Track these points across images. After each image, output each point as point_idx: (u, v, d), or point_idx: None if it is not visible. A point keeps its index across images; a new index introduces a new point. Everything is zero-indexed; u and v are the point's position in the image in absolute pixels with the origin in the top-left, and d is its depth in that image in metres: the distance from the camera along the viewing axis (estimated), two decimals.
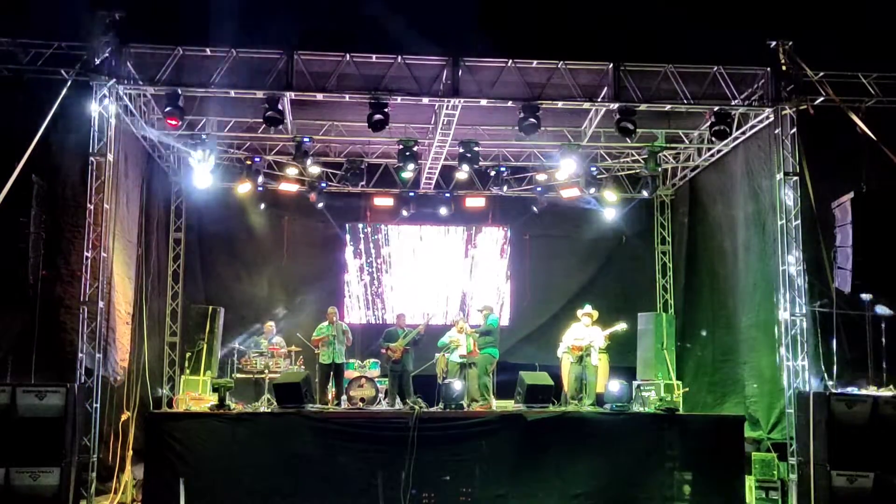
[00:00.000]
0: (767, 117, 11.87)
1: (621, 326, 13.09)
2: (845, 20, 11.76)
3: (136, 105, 12.02)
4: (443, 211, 15.60)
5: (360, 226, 16.19)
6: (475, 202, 15.79)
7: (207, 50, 11.12)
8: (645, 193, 15.44)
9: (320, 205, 15.08)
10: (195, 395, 12.51)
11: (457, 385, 11.87)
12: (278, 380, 11.60)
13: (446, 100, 11.56)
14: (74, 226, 10.91)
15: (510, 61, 11.43)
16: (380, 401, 12.47)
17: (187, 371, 13.56)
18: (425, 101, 11.83)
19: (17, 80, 10.82)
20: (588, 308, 13.12)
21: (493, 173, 14.52)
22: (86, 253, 10.50)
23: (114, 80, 10.79)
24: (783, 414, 11.62)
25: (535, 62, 11.53)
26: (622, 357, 14.60)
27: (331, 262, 15.99)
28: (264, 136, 13.49)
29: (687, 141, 14.26)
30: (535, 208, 15.47)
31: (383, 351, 13.22)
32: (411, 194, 15.42)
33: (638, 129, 11.80)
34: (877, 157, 10.53)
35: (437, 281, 16.20)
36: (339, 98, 11.59)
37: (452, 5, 11.77)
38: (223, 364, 13.66)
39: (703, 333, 14.69)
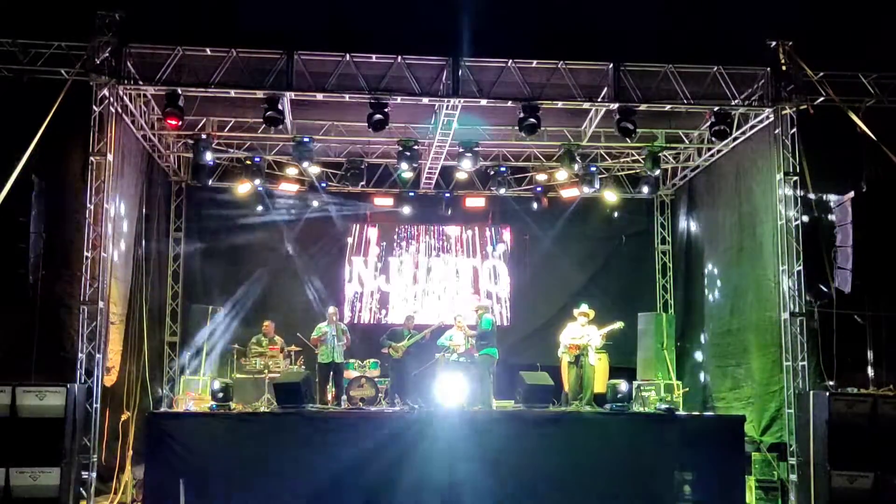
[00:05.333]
0: (767, 117, 11.87)
1: (618, 325, 13.07)
2: (845, 20, 11.75)
3: (136, 105, 12.02)
4: (443, 211, 15.62)
5: (360, 226, 16.19)
6: (475, 202, 15.81)
7: (207, 50, 11.11)
8: (645, 193, 15.45)
9: (316, 203, 15.09)
10: (195, 395, 12.52)
11: (456, 385, 11.85)
12: (278, 380, 11.59)
13: (446, 100, 11.56)
14: (74, 226, 10.90)
15: (510, 61, 11.43)
16: (380, 401, 12.47)
17: (187, 371, 13.56)
18: (425, 101, 11.83)
19: (17, 80, 10.82)
20: (584, 307, 13.10)
21: (492, 173, 14.52)
22: (86, 253, 10.50)
23: (114, 80, 10.79)
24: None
25: (535, 62, 11.53)
26: (622, 357, 14.62)
27: (330, 262, 15.98)
28: (264, 136, 13.50)
29: (687, 141, 14.26)
30: (535, 205, 15.45)
31: (385, 350, 13.21)
32: (411, 194, 15.43)
33: (638, 129, 11.81)
34: (877, 157, 10.52)
35: (436, 281, 16.21)
36: (339, 98, 11.58)
37: (452, 5, 11.75)
38: (223, 363, 13.69)
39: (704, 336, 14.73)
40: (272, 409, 11.15)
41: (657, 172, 14.15)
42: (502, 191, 14.85)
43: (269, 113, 11.27)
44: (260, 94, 11.27)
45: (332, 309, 13.33)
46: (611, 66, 11.52)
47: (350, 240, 16.13)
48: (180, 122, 11.72)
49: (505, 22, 12.00)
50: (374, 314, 16.00)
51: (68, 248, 11.14)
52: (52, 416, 9.48)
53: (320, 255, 15.89)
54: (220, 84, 11.16)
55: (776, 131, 11.59)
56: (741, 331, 13.00)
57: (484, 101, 11.70)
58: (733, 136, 12.58)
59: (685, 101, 11.69)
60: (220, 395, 10.96)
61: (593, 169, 14.21)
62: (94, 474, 10.14)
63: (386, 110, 11.42)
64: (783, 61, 11.43)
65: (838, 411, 9.97)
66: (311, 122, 13.35)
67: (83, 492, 9.96)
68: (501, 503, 10.44)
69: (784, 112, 11.54)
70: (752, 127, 12.39)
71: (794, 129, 11.49)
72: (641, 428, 11.09)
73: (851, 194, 10.62)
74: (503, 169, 14.52)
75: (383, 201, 15.71)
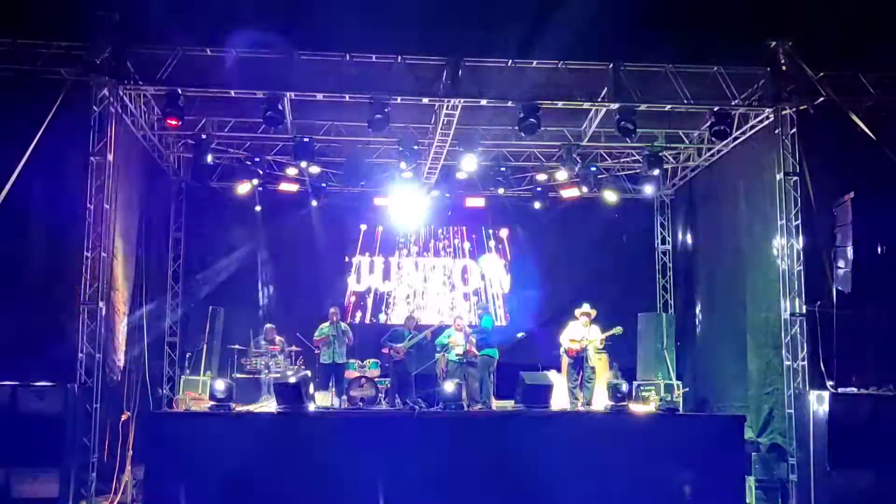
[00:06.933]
0: (767, 117, 11.87)
1: (617, 330, 13.04)
2: (845, 20, 11.74)
3: (136, 105, 12.02)
4: (443, 211, 15.62)
5: (360, 226, 16.20)
6: (475, 202, 15.81)
7: (207, 50, 11.11)
8: (645, 193, 15.46)
9: (316, 203, 15.12)
10: (195, 395, 12.52)
11: (455, 385, 11.84)
12: (278, 380, 11.59)
13: (446, 100, 11.56)
14: (74, 226, 10.90)
15: (510, 61, 11.43)
16: (380, 401, 12.47)
17: (187, 371, 13.56)
18: (425, 101, 11.83)
19: (18, 80, 10.81)
20: (586, 307, 13.12)
21: (492, 173, 14.53)
22: (86, 253, 10.49)
23: (114, 80, 10.79)
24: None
25: (535, 62, 11.53)
26: (622, 357, 14.62)
27: (330, 262, 15.98)
28: (264, 136, 13.50)
29: (687, 141, 14.26)
30: (535, 204, 15.42)
31: (385, 350, 13.20)
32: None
33: (638, 129, 11.81)
34: (877, 157, 10.51)
35: (436, 281, 16.22)
36: (339, 98, 11.58)
37: (453, 5, 11.75)
38: (223, 364, 13.69)
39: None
40: (272, 410, 11.14)
41: (657, 172, 14.16)
42: (502, 191, 14.84)
43: (269, 113, 11.28)
44: (260, 94, 11.27)
45: (333, 309, 13.33)
46: (611, 66, 11.52)
47: (349, 240, 16.13)
48: (180, 122, 11.72)
49: (505, 22, 11.97)
50: (374, 314, 16.00)
51: (68, 248, 11.13)
52: (52, 416, 9.48)
53: (320, 256, 15.88)
54: (220, 84, 11.15)
55: (776, 131, 11.58)
56: (741, 332, 12.99)
57: (484, 101, 11.70)
58: (733, 136, 12.58)
59: (685, 101, 11.70)
60: (221, 395, 10.96)
61: (593, 169, 14.22)
62: (94, 474, 10.14)
63: (386, 110, 11.42)
64: (783, 61, 11.42)
65: (838, 411, 9.96)
66: (311, 122, 13.35)
67: (83, 492, 9.96)
68: (501, 503, 10.45)
69: (784, 112, 11.54)
70: (753, 127, 12.39)
71: (794, 129, 11.48)
72: (641, 428, 11.09)
73: (851, 194, 10.61)
74: (503, 169, 14.53)
75: (383, 201, 15.72)
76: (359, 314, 15.93)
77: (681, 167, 15.31)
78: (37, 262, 10.82)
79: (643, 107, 11.67)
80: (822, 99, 11.36)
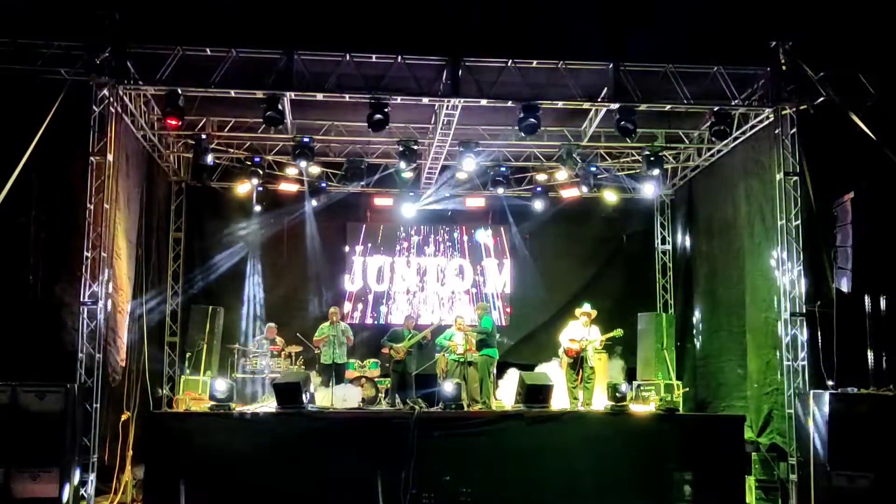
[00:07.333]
0: (767, 117, 11.87)
1: (617, 332, 13.03)
2: (845, 20, 11.73)
3: (136, 105, 12.02)
4: (442, 211, 15.62)
5: (361, 226, 16.20)
6: (475, 202, 15.83)
7: (207, 50, 11.10)
8: (645, 193, 15.46)
9: (316, 203, 15.12)
10: (195, 395, 12.52)
11: (455, 385, 11.85)
12: (278, 380, 11.59)
13: (446, 100, 11.55)
14: (74, 226, 10.91)
15: (510, 61, 11.42)
16: (380, 401, 12.46)
17: (187, 371, 13.56)
18: (425, 101, 11.84)
19: (18, 79, 10.81)
20: (587, 307, 13.12)
21: (492, 173, 14.52)
22: (86, 253, 10.49)
23: (114, 80, 10.79)
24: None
25: (535, 62, 11.52)
26: (622, 357, 14.63)
27: (331, 262, 15.99)
28: (264, 136, 13.50)
29: (687, 141, 14.26)
30: (535, 204, 15.38)
31: (385, 350, 13.20)
32: (411, 194, 15.43)
33: (638, 129, 11.81)
34: (877, 157, 10.51)
35: (436, 281, 16.21)
36: (339, 98, 11.58)
37: (452, 5, 11.75)
38: (223, 364, 13.70)
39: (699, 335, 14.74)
40: (272, 409, 11.14)
41: (657, 172, 14.15)
42: (502, 191, 14.84)
43: (269, 113, 11.27)
44: (260, 94, 11.27)
45: (333, 309, 13.35)
46: (611, 66, 11.50)
47: (350, 240, 16.13)
48: (180, 122, 11.72)
49: (505, 22, 11.97)
50: (374, 314, 16.00)
51: (68, 248, 11.13)
52: (52, 416, 9.47)
53: (320, 256, 15.89)
54: (220, 84, 11.14)
55: (776, 131, 11.58)
56: (741, 332, 13.00)
57: (484, 101, 11.69)
58: (733, 135, 12.59)
59: (685, 101, 11.69)
60: (221, 395, 10.96)
61: (593, 169, 14.22)
62: (94, 474, 10.13)
63: (386, 110, 11.42)
64: (783, 61, 11.41)
65: (838, 411, 9.96)
66: (311, 122, 13.35)
67: (83, 492, 9.96)
68: (500, 503, 10.45)
69: (784, 112, 11.53)
70: (753, 127, 12.39)
71: (795, 129, 11.48)
72: (641, 428, 11.09)
73: (851, 194, 10.61)
74: (503, 169, 14.53)
75: (383, 201, 15.73)
76: (358, 313, 15.92)
77: (681, 167, 15.31)
78: (37, 262, 10.80)
79: (643, 107, 11.66)
80: (822, 99, 11.35)
